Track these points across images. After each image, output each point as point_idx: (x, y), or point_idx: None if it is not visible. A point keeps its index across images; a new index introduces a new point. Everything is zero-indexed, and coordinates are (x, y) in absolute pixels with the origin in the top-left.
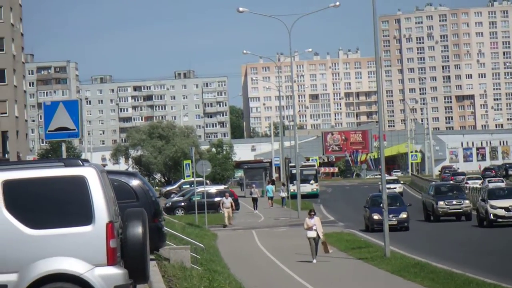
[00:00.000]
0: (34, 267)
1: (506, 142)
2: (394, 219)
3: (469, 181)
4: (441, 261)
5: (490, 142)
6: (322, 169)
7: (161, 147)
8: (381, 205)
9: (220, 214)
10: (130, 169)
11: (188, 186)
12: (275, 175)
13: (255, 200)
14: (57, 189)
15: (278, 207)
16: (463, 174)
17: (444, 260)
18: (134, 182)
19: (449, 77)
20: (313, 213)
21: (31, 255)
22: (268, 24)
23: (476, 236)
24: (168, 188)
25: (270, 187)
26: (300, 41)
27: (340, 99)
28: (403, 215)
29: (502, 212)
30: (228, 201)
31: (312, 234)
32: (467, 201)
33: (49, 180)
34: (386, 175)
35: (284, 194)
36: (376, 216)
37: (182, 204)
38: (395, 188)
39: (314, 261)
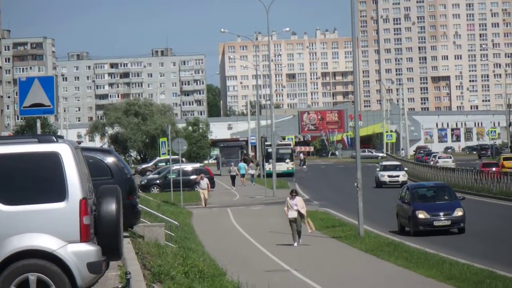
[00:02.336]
0: (7, 243)
1: (481, 123)
2: (444, 218)
3: (439, 160)
4: None
5: (465, 123)
6: (298, 148)
7: (138, 123)
8: (424, 197)
9: (196, 192)
10: (105, 146)
11: (163, 164)
12: (251, 154)
13: (233, 178)
14: (31, 165)
15: (251, 184)
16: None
17: None
18: (109, 159)
19: (425, 58)
20: (294, 193)
21: (4, 231)
22: (246, 3)
23: None
24: (144, 166)
25: (243, 165)
26: (278, 21)
27: (316, 78)
28: (459, 213)
29: None
30: (204, 182)
31: (292, 214)
32: None
33: (23, 156)
34: (390, 161)
35: (253, 172)
36: (422, 215)
37: (158, 181)
38: (398, 176)
39: (295, 244)
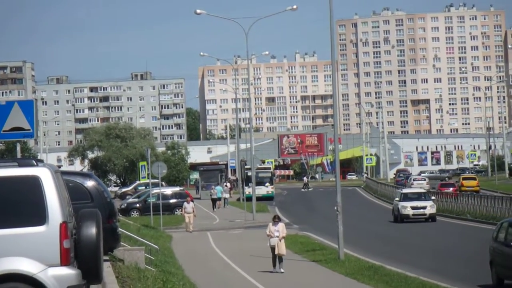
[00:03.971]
0: None
1: (461, 146)
2: None
3: (414, 182)
4: None
5: (445, 147)
6: (278, 172)
7: (119, 147)
8: None
9: (176, 216)
10: (85, 170)
11: (143, 187)
12: (232, 177)
13: (214, 201)
14: (11, 189)
15: (230, 208)
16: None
17: None
18: (89, 183)
19: (404, 81)
20: (277, 219)
21: None
22: (226, 26)
23: None
24: (124, 190)
25: (219, 188)
26: (258, 44)
27: (296, 102)
28: None
29: None
30: (189, 206)
31: (274, 242)
32: None
33: (3, 180)
34: (411, 187)
35: (226, 195)
36: None
37: (137, 205)
38: (424, 208)
39: (281, 270)
